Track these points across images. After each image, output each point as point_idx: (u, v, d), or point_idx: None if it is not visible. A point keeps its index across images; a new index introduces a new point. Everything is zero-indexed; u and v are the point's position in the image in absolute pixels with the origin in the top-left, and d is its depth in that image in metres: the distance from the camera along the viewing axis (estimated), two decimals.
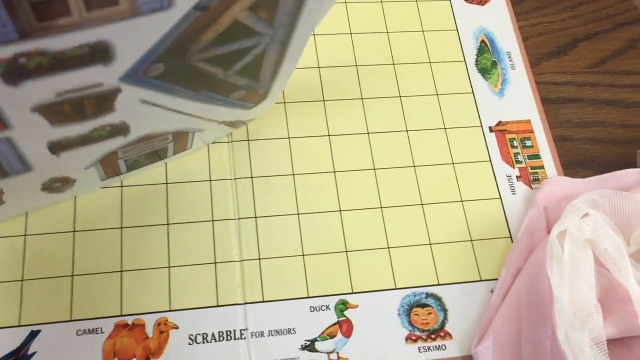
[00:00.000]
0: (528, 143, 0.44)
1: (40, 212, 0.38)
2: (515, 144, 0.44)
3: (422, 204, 0.41)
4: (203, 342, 0.36)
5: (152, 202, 0.39)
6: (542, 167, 0.43)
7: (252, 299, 0.37)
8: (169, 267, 0.38)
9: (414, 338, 0.37)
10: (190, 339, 0.36)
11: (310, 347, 0.37)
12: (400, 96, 0.45)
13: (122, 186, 0.39)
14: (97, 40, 0.20)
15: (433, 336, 0.38)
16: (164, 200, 0.39)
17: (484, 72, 0.46)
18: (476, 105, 0.45)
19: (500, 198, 0.42)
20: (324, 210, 0.40)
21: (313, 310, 0.37)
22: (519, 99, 0.46)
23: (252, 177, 0.41)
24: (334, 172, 0.41)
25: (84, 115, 0.25)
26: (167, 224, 0.39)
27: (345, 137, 0.43)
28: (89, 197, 0.39)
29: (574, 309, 0.34)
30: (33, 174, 0.30)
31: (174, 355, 0.35)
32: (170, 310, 0.37)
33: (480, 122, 0.44)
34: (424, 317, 0.38)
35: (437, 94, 0.45)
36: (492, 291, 0.39)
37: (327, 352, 0.36)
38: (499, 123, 0.45)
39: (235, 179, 0.40)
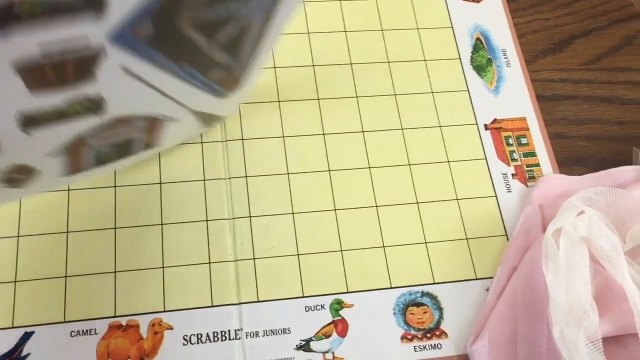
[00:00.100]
0: (523, 141, 0.44)
1: (33, 213, 0.38)
2: (510, 142, 0.44)
3: (417, 203, 0.41)
4: (198, 343, 0.36)
5: (146, 202, 0.39)
6: (537, 164, 0.43)
7: (247, 299, 0.37)
8: (163, 267, 0.37)
9: (409, 337, 0.37)
10: (185, 339, 0.36)
11: (305, 347, 0.36)
12: (395, 94, 0.44)
13: (115, 186, 0.39)
14: None
15: (429, 335, 0.38)
16: (157, 200, 0.39)
17: (479, 69, 0.46)
18: (471, 103, 0.45)
19: (496, 196, 0.42)
20: (319, 210, 0.40)
21: (308, 310, 0.37)
22: (514, 97, 0.46)
23: (246, 177, 0.40)
24: (329, 170, 0.41)
25: (63, 79, 0.24)
26: (161, 224, 0.38)
27: (340, 135, 0.43)
28: (82, 197, 0.39)
29: (569, 307, 0.34)
30: None
31: (169, 356, 0.35)
32: (165, 311, 0.36)
33: (476, 119, 0.44)
34: (419, 316, 0.38)
35: (432, 92, 0.45)
36: (487, 289, 0.39)
37: (322, 352, 0.36)
38: (495, 121, 0.45)
39: (229, 178, 0.40)
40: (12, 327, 0.35)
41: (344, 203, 0.40)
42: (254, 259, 0.38)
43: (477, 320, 0.38)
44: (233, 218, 0.39)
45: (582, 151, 0.45)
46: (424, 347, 0.37)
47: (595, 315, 0.33)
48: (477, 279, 0.39)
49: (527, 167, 0.43)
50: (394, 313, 0.38)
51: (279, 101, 0.43)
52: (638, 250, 0.37)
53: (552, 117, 0.46)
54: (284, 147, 0.42)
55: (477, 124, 0.44)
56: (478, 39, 0.47)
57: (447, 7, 0.48)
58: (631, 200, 0.37)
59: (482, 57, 0.47)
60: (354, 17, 0.47)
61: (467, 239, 0.40)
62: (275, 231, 0.39)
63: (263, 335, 0.36)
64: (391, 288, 0.38)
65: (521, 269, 0.38)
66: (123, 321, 0.36)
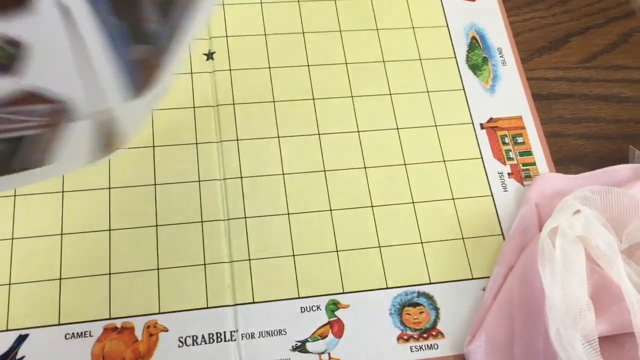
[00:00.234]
0: (519, 140, 0.44)
1: (27, 215, 0.38)
2: (506, 141, 0.44)
3: (413, 202, 0.41)
4: (193, 345, 0.36)
5: (140, 203, 0.39)
6: (533, 163, 0.43)
7: (242, 300, 0.37)
8: (158, 269, 0.37)
9: (405, 337, 0.37)
10: (180, 341, 0.36)
11: (301, 348, 0.36)
12: (390, 94, 0.44)
13: (109, 188, 0.39)
14: None
15: (425, 335, 0.37)
16: (152, 202, 0.39)
17: (475, 68, 0.46)
18: (467, 102, 0.45)
19: (492, 195, 0.42)
20: (314, 210, 0.40)
21: (304, 311, 0.37)
22: (510, 95, 0.45)
23: (241, 177, 0.40)
24: (324, 171, 0.41)
25: None
26: (156, 226, 0.38)
27: (335, 135, 0.42)
28: (76, 199, 0.38)
29: (566, 307, 0.34)
30: None
31: (164, 358, 0.35)
32: (160, 313, 0.36)
33: (471, 119, 0.44)
34: (415, 316, 0.38)
35: (427, 91, 0.45)
36: (484, 289, 0.39)
37: (318, 353, 0.36)
38: (490, 120, 0.44)
39: (224, 179, 0.40)
40: (7, 330, 0.35)
41: (340, 203, 0.40)
42: (249, 260, 0.38)
43: (473, 320, 0.38)
44: (228, 219, 0.39)
45: (579, 150, 0.45)
46: (421, 348, 0.37)
47: (592, 314, 0.33)
48: (473, 278, 0.39)
49: (523, 166, 0.43)
50: (390, 313, 0.38)
51: (273, 101, 0.43)
52: (634, 249, 0.37)
53: (548, 115, 0.46)
54: (279, 147, 0.42)
55: (472, 123, 0.44)
56: (473, 37, 0.47)
57: (443, 6, 0.48)
58: (627, 199, 0.37)
59: (478, 56, 0.47)
60: (348, 16, 0.47)
61: (463, 238, 0.40)
62: (271, 232, 0.39)
63: (259, 337, 0.36)
64: (387, 288, 0.38)
65: (518, 269, 0.38)
66: (118, 323, 0.36)
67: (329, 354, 0.36)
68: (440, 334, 0.38)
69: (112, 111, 0.27)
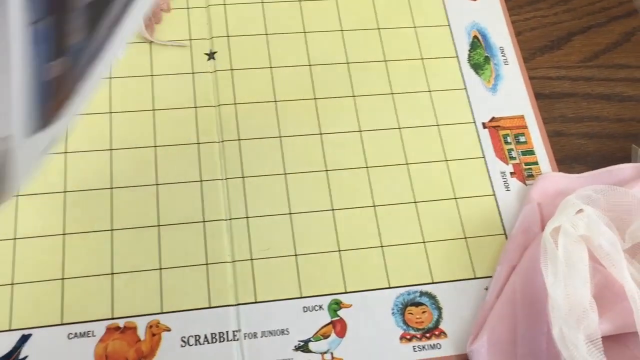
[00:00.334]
0: (522, 139, 0.44)
1: (29, 215, 0.38)
2: (509, 140, 0.44)
3: (415, 202, 0.41)
4: (196, 344, 0.36)
5: (142, 203, 0.39)
6: (536, 163, 0.43)
7: (245, 300, 0.37)
8: (160, 269, 0.37)
9: (408, 337, 0.37)
10: (183, 341, 0.36)
11: (303, 347, 0.36)
12: (392, 93, 0.44)
13: (112, 188, 0.39)
14: None
15: (428, 335, 0.37)
16: (154, 202, 0.39)
17: (477, 67, 0.46)
18: (469, 102, 0.45)
19: (494, 195, 0.42)
20: (316, 210, 0.40)
21: (306, 311, 0.37)
22: (512, 95, 0.45)
23: (243, 177, 0.40)
24: (326, 170, 0.41)
25: None
26: (158, 226, 0.38)
27: (337, 135, 0.42)
28: (78, 199, 0.38)
29: (569, 306, 0.34)
30: None
31: (167, 357, 0.35)
32: (162, 313, 0.36)
33: (474, 118, 0.44)
34: (418, 315, 0.38)
35: (429, 91, 0.45)
36: (486, 289, 0.39)
37: (321, 353, 0.36)
38: (492, 119, 0.44)
39: (226, 179, 0.40)
40: (10, 330, 0.35)
41: (342, 203, 0.40)
42: (252, 259, 0.38)
43: (476, 320, 0.38)
44: (230, 219, 0.39)
45: (581, 149, 0.45)
46: (423, 347, 0.37)
47: (595, 314, 0.33)
48: (475, 278, 0.39)
49: (525, 165, 0.43)
50: (393, 313, 0.38)
51: (275, 101, 0.43)
52: (637, 248, 0.37)
53: (550, 114, 0.45)
54: (281, 147, 0.41)
55: (475, 122, 0.44)
56: (475, 37, 0.47)
57: (444, 5, 0.48)
58: (630, 198, 0.37)
59: (480, 55, 0.47)
60: (350, 16, 0.47)
61: (465, 238, 0.40)
62: (273, 232, 0.39)
63: (261, 336, 0.36)
64: (390, 288, 0.38)
65: (520, 268, 0.38)
66: (120, 323, 0.36)
67: (332, 353, 0.36)
68: (442, 334, 0.37)
69: (11, 141, 0.23)
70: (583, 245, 0.35)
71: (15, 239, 0.37)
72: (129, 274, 0.37)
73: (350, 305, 0.38)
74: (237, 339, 0.36)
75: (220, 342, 0.36)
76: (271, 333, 0.36)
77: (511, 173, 0.43)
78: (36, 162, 0.25)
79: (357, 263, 0.39)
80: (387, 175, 0.41)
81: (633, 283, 0.34)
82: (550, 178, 0.42)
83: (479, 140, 0.43)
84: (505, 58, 0.47)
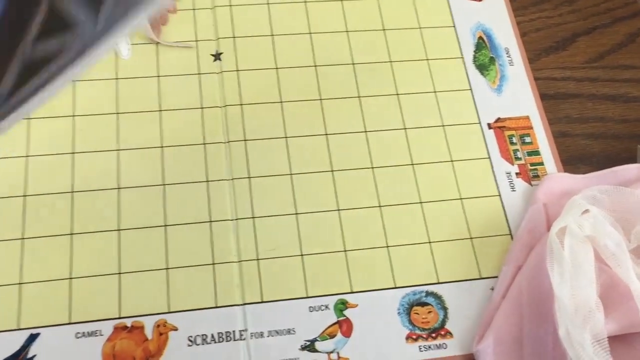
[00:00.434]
0: (527, 139, 0.44)
1: (36, 215, 0.38)
2: (514, 141, 0.44)
3: (421, 202, 0.41)
4: (203, 344, 0.36)
5: (149, 203, 0.39)
6: (541, 163, 0.43)
7: (251, 300, 0.37)
8: (167, 268, 0.37)
9: (414, 337, 0.37)
10: (190, 340, 0.36)
11: (310, 347, 0.36)
12: (397, 94, 0.44)
13: (119, 188, 0.39)
14: None
15: (433, 335, 0.37)
16: (161, 202, 0.39)
17: (482, 68, 0.46)
18: (474, 102, 0.45)
19: (500, 195, 0.42)
20: (322, 210, 0.40)
21: (312, 310, 0.37)
22: (517, 95, 0.45)
23: (249, 177, 0.40)
24: (332, 171, 0.41)
25: None
26: (165, 225, 0.39)
27: (343, 135, 0.43)
28: (85, 201, 0.39)
29: (575, 306, 0.34)
30: None
31: (174, 356, 0.35)
32: (169, 312, 0.36)
33: (479, 119, 0.44)
34: (424, 315, 0.38)
35: (434, 91, 0.45)
36: (492, 289, 0.39)
37: (327, 352, 0.36)
38: (498, 120, 0.44)
39: (232, 179, 0.40)
40: (18, 329, 0.35)
41: (348, 203, 0.40)
42: (258, 259, 0.38)
43: (482, 320, 0.38)
44: (236, 219, 0.39)
45: (586, 149, 0.45)
46: (429, 347, 0.37)
47: (601, 314, 0.33)
48: (481, 278, 0.39)
49: (531, 165, 0.43)
50: (399, 313, 0.38)
51: (281, 102, 0.43)
52: None
53: (555, 115, 0.46)
54: (287, 147, 0.42)
55: (480, 123, 0.44)
56: (480, 37, 0.47)
57: (449, 6, 0.48)
58: (636, 198, 0.37)
59: (485, 56, 0.47)
60: (355, 17, 0.47)
61: (471, 238, 0.40)
62: (279, 232, 0.39)
63: (268, 336, 0.36)
64: (395, 288, 0.38)
65: (526, 268, 0.38)
66: (128, 322, 0.36)
67: (338, 353, 0.36)
68: (448, 334, 0.38)
69: None
70: (589, 246, 0.35)
71: (23, 238, 0.37)
72: (136, 274, 0.37)
73: (357, 305, 0.38)
74: (244, 339, 0.36)
75: (227, 341, 0.36)
76: (277, 332, 0.37)
77: (517, 173, 0.43)
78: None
79: (363, 263, 0.39)
80: (392, 175, 0.42)
81: (639, 283, 0.34)
82: (555, 178, 0.42)
83: (485, 140, 0.44)
84: (510, 59, 0.47)
